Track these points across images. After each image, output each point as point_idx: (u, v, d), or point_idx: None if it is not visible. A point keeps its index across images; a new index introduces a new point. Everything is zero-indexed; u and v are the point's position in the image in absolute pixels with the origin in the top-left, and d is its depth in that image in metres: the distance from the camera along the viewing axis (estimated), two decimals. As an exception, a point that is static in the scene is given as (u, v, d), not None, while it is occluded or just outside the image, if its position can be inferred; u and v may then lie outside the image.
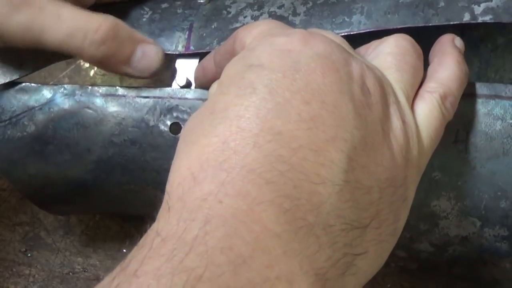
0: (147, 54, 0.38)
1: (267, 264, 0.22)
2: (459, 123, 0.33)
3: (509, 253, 0.34)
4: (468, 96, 0.33)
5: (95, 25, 0.36)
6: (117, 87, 0.41)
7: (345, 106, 0.26)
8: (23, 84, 0.42)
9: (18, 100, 0.42)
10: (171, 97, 0.39)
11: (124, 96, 0.40)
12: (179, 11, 0.42)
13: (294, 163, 0.24)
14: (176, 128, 0.39)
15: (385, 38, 0.32)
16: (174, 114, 0.39)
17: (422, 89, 0.31)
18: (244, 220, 0.23)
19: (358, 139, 0.25)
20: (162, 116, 0.39)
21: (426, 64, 0.35)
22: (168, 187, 0.26)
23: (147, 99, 0.40)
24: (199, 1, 0.42)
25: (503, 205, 0.33)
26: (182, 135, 0.29)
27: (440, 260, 0.35)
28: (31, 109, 0.42)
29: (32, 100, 0.42)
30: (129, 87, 0.41)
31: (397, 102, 0.28)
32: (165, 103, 0.39)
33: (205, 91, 0.39)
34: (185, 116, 0.39)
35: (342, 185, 0.24)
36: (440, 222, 0.34)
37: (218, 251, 0.22)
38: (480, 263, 0.35)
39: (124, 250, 0.51)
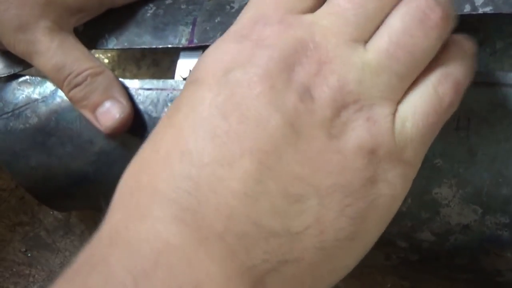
0: (110, 111, 0.39)
1: (169, 277, 0.23)
2: (460, 110, 0.33)
3: (510, 242, 0.34)
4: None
5: (80, 68, 0.39)
6: (120, 79, 0.41)
7: (270, 117, 0.25)
8: (27, 77, 0.43)
9: (21, 92, 0.42)
10: (174, 89, 0.39)
11: (126, 88, 0.40)
12: (183, 6, 0.42)
13: (201, 179, 0.24)
14: None
15: None
16: None
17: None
18: (146, 238, 0.24)
19: (284, 149, 0.25)
20: (164, 107, 0.39)
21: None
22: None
23: (150, 91, 0.40)
24: (202, -4, 0.42)
25: (504, 192, 0.33)
26: None
27: (441, 249, 0.35)
28: (34, 101, 0.42)
29: (35, 92, 0.42)
30: (132, 79, 0.41)
31: (363, 99, 0.26)
32: (168, 94, 0.39)
33: None
34: (188, 108, 0.39)
35: (257, 196, 0.24)
36: (442, 210, 0.34)
37: (120, 268, 0.23)
38: (482, 252, 0.35)
39: None
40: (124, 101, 0.39)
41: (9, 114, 0.42)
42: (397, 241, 0.36)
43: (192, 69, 0.28)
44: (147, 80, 0.40)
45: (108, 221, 0.26)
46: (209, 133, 0.25)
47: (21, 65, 0.42)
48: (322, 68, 0.26)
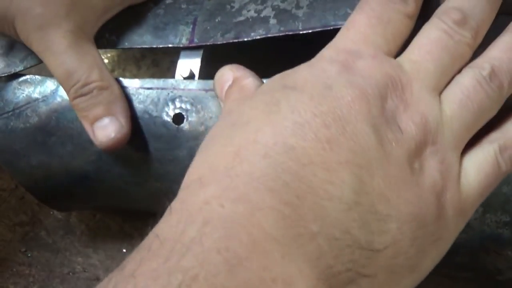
0: (107, 128, 0.38)
1: (264, 266, 0.22)
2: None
3: (511, 240, 0.33)
4: None
5: (88, 79, 0.38)
6: (120, 79, 0.41)
7: (366, 137, 0.26)
8: (27, 76, 0.42)
9: (21, 91, 0.42)
10: (174, 88, 0.39)
11: (127, 87, 0.40)
12: (184, 6, 0.42)
13: (301, 176, 0.25)
14: (179, 118, 0.39)
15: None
16: (177, 105, 0.39)
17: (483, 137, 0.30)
18: (243, 223, 0.23)
19: (376, 168, 0.26)
20: (165, 107, 0.39)
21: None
22: (179, 191, 0.28)
23: (150, 90, 0.40)
24: (202, -4, 0.42)
25: (505, 190, 0.33)
26: (203, 142, 0.30)
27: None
28: (34, 100, 0.42)
29: (35, 92, 0.42)
30: (132, 78, 0.41)
31: (439, 142, 0.28)
32: (168, 94, 0.39)
33: (208, 81, 0.38)
34: (188, 107, 0.39)
35: (351, 205, 0.25)
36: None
37: (215, 251, 0.22)
38: (482, 251, 0.34)
39: (124, 250, 0.51)
40: (123, 121, 0.39)
41: (10, 114, 0.42)
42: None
43: (281, 77, 0.30)
44: (147, 79, 0.40)
45: (196, 193, 0.25)
46: (312, 136, 0.26)
47: (22, 65, 0.42)
48: (408, 107, 0.28)
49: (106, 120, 0.38)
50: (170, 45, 0.40)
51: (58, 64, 0.38)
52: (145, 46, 0.41)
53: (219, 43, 0.39)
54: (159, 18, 0.42)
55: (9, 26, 0.39)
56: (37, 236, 0.52)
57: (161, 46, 0.41)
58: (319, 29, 0.37)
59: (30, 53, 0.41)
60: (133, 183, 0.42)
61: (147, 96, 0.40)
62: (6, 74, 0.42)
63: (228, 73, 0.34)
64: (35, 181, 0.44)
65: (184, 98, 0.39)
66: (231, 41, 0.39)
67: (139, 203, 0.44)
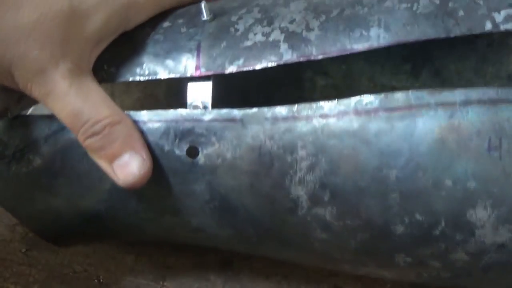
0: (129, 165, 0.35)
1: None
2: (491, 130, 0.31)
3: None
4: (498, 102, 0.31)
5: (98, 116, 0.35)
6: (127, 112, 0.37)
7: None
8: (26, 115, 0.39)
9: (21, 133, 0.38)
10: (186, 120, 0.36)
11: (135, 121, 0.37)
12: (183, 30, 0.38)
13: None
14: (193, 152, 0.36)
15: None
16: (190, 138, 0.36)
17: None
18: None
19: None
20: (177, 140, 0.36)
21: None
22: None
23: (159, 123, 0.37)
24: (202, 18, 0.39)
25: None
26: None
27: (475, 267, 0.34)
28: (35, 141, 0.38)
29: (36, 132, 0.38)
30: (139, 111, 0.37)
31: None
32: (179, 126, 0.36)
33: (221, 111, 0.35)
34: (202, 139, 0.36)
35: None
36: (477, 231, 0.32)
37: None
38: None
39: (124, 250, 0.49)
40: (144, 154, 0.36)
41: (11, 157, 0.38)
42: (429, 262, 0.35)
43: None
44: (156, 111, 0.37)
45: None
46: None
47: (19, 106, 0.38)
48: None
49: (126, 157, 0.35)
50: (177, 76, 0.37)
51: (62, 107, 0.35)
52: (150, 78, 0.38)
53: (227, 72, 0.36)
54: (159, 45, 0.38)
55: (5, 73, 0.35)
56: (37, 236, 0.50)
57: (166, 77, 0.37)
58: (335, 55, 0.34)
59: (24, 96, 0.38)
60: (149, 219, 0.39)
61: (156, 129, 0.37)
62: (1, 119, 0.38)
63: None
64: (43, 225, 0.40)
65: (197, 130, 0.36)
66: (241, 70, 0.36)
67: (154, 237, 0.42)
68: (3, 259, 0.48)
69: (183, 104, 0.37)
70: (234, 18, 0.38)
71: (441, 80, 0.47)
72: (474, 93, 0.32)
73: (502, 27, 0.32)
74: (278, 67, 0.36)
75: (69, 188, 0.39)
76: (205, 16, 0.38)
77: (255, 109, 0.35)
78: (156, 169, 0.37)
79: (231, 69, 0.36)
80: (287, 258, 0.41)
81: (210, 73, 0.36)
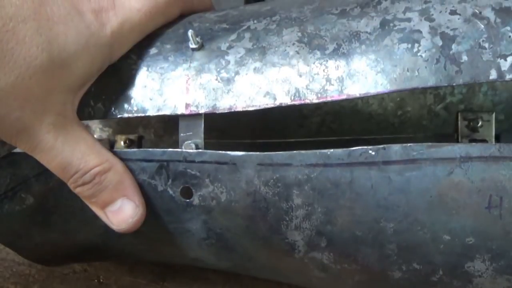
0: (122, 212, 0.35)
1: None
2: (491, 188, 0.30)
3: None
4: (500, 159, 0.30)
5: (87, 167, 0.34)
6: (117, 150, 0.36)
7: None
8: (15, 153, 0.37)
9: (11, 172, 0.37)
10: (178, 160, 0.35)
11: (126, 160, 0.36)
12: (171, 58, 0.36)
13: None
14: (187, 192, 0.35)
15: None
16: (183, 179, 0.35)
17: None
18: None
19: None
20: (170, 180, 0.35)
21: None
22: None
23: (152, 163, 0.35)
24: (190, 45, 0.36)
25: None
26: None
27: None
28: (26, 180, 0.37)
29: (26, 170, 0.37)
30: (130, 150, 0.36)
31: None
32: (172, 167, 0.35)
33: (214, 154, 0.34)
34: (195, 181, 0.35)
35: None
36: (474, 280, 0.32)
37: None
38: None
39: None
40: (137, 200, 0.35)
41: (2, 197, 0.37)
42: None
43: None
44: (148, 150, 0.35)
45: None
46: None
47: (5, 148, 0.37)
48: None
49: (118, 203, 0.35)
50: (166, 114, 0.35)
51: (50, 160, 0.34)
52: (138, 115, 0.36)
53: (219, 112, 0.34)
54: (147, 77, 0.36)
55: None
56: None
57: (155, 115, 0.36)
58: (330, 100, 0.33)
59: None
60: (146, 250, 0.39)
61: (150, 169, 0.35)
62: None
63: None
64: (42, 256, 0.40)
65: (190, 172, 0.35)
66: (232, 110, 0.34)
67: (151, 260, 0.42)
68: (3, 259, 0.49)
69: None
70: (224, 47, 0.35)
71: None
72: (475, 149, 0.30)
73: (507, 77, 0.30)
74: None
75: (64, 224, 0.38)
76: (193, 44, 0.36)
77: (248, 153, 0.34)
78: (150, 208, 0.36)
79: (223, 109, 0.34)
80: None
81: (201, 111, 0.35)
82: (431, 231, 0.31)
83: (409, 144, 0.31)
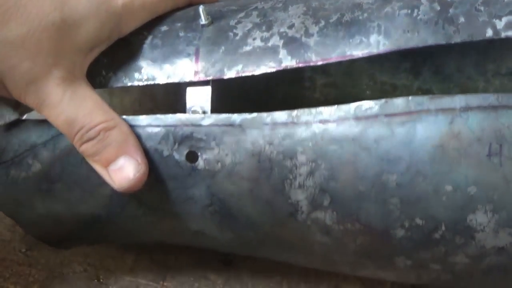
0: (124, 170, 0.35)
1: None
2: (491, 136, 0.31)
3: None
4: (498, 108, 0.31)
5: (92, 123, 0.35)
6: (125, 117, 0.36)
7: None
8: (24, 120, 0.38)
9: (19, 138, 0.38)
10: (185, 125, 0.36)
11: (134, 126, 0.36)
12: (181, 34, 0.38)
13: None
14: (192, 157, 0.36)
15: None
16: (189, 143, 0.35)
17: None
18: None
19: None
20: (176, 145, 0.36)
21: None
22: None
23: (158, 128, 0.36)
24: (201, 22, 0.38)
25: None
26: None
27: (475, 270, 0.34)
28: (34, 146, 0.37)
29: (34, 137, 0.37)
30: (138, 116, 0.37)
31: None
32: (178, 131, 0.36)
33: (220, 116, 0.35)
34: (201, 144, 0.35)
35: None
36: (477, 235, 0.32)
37: None
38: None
39: (124, 250, 0.49)
40: (139, 158, 0.35)
41: (9, 163, 0.38)
42: (430, 265, 0.34)
43: None
44: (155, 116, 0.36)
45: None
46: None
47: (17, 112, 0.38)
48: None
49: (121, 161, 0.35)
50: (175, 81, 0.36)
51: (57, 115, 0.34)
52: (148, 83, 0.37)
53: (226, 78, 0.36)
54: (157, 50, 0.37)
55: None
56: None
57: (165, 82, 0.37)
58: (334, 61, 0.34)
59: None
60: (148, 223, 0.39)
61: (156, 134, 0.36)
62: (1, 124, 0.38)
63: None
64: (43, 229, 0.40)
65: (196, 135, 0.35)
66: (239, 75, 0.35)
67: (154, 240, 0.42)
68: (3, 259, 0.48)
69: (182, 106, 0.37)
70: (232, 22, 0.37)
71: (441, 77, 0.46)
72: (475, 99, 0.31)
73: (503, 34, 0.31)
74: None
75: (68, 193, 0.38)
76: (203, 20, 0.38)
77: (254, 114, 0.34)
78: (155, 174, 0.36)
79: (230, 74, 0.35)
80: (287, 260, 0.41)
81: (209, 78, 0.36)
82: (433, 182, 0.32)
83: (410, 97, 0.32)
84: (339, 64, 0.48)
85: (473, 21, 0.32)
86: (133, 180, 0.35)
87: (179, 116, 0.36)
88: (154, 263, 0.47)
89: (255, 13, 0.37)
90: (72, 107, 0.34)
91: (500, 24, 0.32)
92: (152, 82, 0.37)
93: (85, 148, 0.35)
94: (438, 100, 0.32)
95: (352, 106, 0.33)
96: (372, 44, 0.33)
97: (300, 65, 0.34)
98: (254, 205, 0.35)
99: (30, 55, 0.33)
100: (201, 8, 0.37)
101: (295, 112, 0.34)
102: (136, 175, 0.35)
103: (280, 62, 0.35)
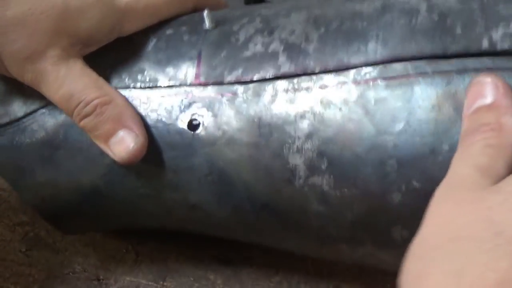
0: (124, 142, 0.36)
1: None
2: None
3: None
4: (494, 70, 0.31)
5: (88, 98, 0.36)
6: (130, 88, 0.38)
7: None
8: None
9: (25, 104, 0.39)
10: (188, 94, 0.36)
11: (137, 96, 0.37)
12: (186, 37, 0.38)
13: None
14: (194, 125, 0.36)
15: None
16: (192, 111, 0.36)
17: None
18: None
19: None
20: (179, 113, 0.36)
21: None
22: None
23: (162, 98, 0.37)
24: (204, 27, 0.38)
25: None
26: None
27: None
28: (40, 114, 0.39)
29: (40, 103, 0.39)
30: (143, 87, 0.38)
31: None
32: (182, 100, 0.36)
33: (223, 86, 0.36)
34: (203, 112, 0.36)
35: None
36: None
37: None
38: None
39: (124, 250, 0.49)
40: (137, 130, 0.36)
41: (15, 128, 0.39)
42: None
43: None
44: (159, 87, 0.37)
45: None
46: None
47: (22, 110, 0.39)
48: None
49: (120, 134, 0.36)
50: (176, 84, 0.37)
51: (54, 92, 0.36)
52: (150, 85, 0.37)
53: (226, 82, 0.36)
54: (161, 52, 0.38)
55: None
56: (37, 236, 0.50)
57: (166, 85, 0.37)
58: (333, 68, 0.34)
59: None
60: (147, 196, 0.39)
61: (159, 104, 0.37)
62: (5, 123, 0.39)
63: (488, 89, 0.29)
64: (42, 199, 0.40)
65: (198, 104, 0.36)
66: (239, 80, 0.36)
67: (152, 219, 0.42)
68: (3, 259, 0.48)
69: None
70: (235, 28, 0.38)
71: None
72: (471, 62, 0.31)
73: (499, 47, 0.31)
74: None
75: (70, 161, 0.39)
76: (207, 24, 0.38)
77: (255, 83, 0.35)
78: (155, 143, 0.37)
79: (230, 78, 0.36)
80: (281, 242, 0.41)
81: (209, 81, 0.36)
82: (430, 142, 0.31)
83: (408, 61, 0.33)
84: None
85: (470, 32, 0.32)
86: (131, 152, 0.36)
87: (183, 86, 0.37)
88: (154, 263, 0.48)
89: (258, 19, 0.38)
90: (68, 83, 0.35)
91: (496, 35, 0.31)
92: (154, 85, 0.37)
93: (84, 124, 0.36)
94: (435, 63, 0.32)
95: (352, 71, 0.33)
96: (369, 52, 0.33)
97: (299, 72, 0.34)
98: (252, 171, 0.36)
99: (27, 33, 0.34)
100: (205, 13, 0.38)
101: (295, 79, 0.34)
102: (134, 147, 0.36)
103: (279, 68, 0.35)
